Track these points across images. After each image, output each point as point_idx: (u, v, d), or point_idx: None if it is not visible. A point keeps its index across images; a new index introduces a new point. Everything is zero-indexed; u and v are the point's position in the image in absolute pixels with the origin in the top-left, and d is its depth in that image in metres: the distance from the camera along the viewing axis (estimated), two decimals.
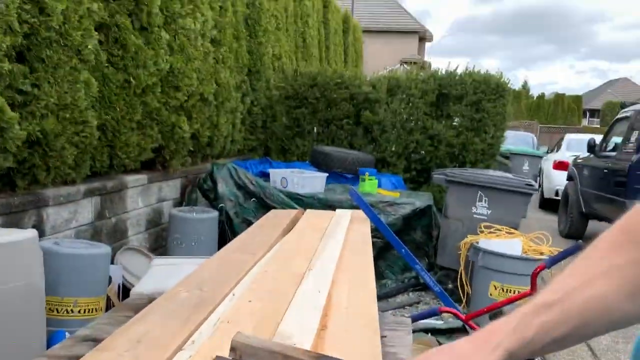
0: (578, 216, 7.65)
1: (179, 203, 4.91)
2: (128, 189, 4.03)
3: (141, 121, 3.96)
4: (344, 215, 2.65)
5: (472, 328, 2.51)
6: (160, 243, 4.56)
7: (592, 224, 7.63)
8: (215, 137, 5.33)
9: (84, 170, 3.44)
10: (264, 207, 4.54)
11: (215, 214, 4.48)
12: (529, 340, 0.60)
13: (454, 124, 6.65)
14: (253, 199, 4.72)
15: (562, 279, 0.63)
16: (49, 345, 2.47)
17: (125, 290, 3.34)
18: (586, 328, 0.61)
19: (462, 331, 2.55)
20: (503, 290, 3.60)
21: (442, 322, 2.95)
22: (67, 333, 2.54)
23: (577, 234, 7.47)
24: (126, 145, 3.83)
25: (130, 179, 4.06)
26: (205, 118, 4.96)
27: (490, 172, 5.26)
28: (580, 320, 0.60)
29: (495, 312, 2.48)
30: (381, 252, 4.45)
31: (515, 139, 12.26)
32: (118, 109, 3.69)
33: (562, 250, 2.52)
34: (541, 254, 3.90)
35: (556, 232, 7.83)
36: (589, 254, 0.65)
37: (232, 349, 0.94)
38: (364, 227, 2.45)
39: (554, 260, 2.44)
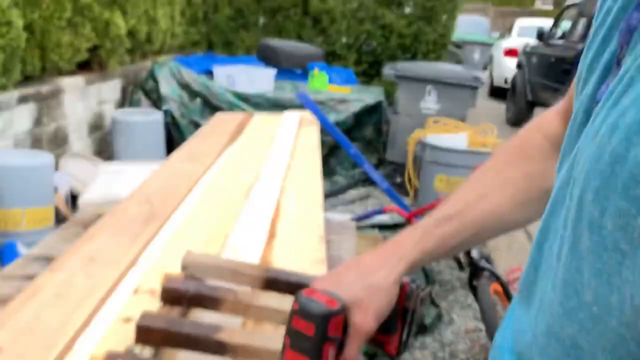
0: (525, 104, 7.86)
1: (120, 105, 4.74)
2: (65, 92, 3.84)
3: (72, 19, 3.69)
4: (292, 119, 2.65)
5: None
6: (105, 147, 4.46)
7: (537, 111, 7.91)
8: (154, 32, 5.05)
9: (14, 76, 3.24)
10: (210, 107, 4.45)
11: (159, 115, 4.36)
12: (430, 251, 0.66)
13: (406, 12, 6.52)
14: (198, 98, 4.60)
15: (462, 192, 0.70)
16: (2, 258, 2.47)
17: (73, 198, 3.31)
18: (480, 235, 0.70)
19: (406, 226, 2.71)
20: (448, 183, 3.78)
21: (389, 217, 3.12)
22: (19, 244, 2.54)
23: (523, 122, 7.75)
24: (58, 46, 3.59)
25: (67, 82, 3.86)
26: (142, 12, 4.66)
27: (439, 65, 5.29)
28: (476, 229, 0.68)
29: None
30: (332, 150, 4.51)
31: (468, 25, 12.13)
32: (44, 7, 3.41)
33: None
34: (485, 146, 4.07)
35: (504, 121, 8.08)
36: (488, 166, 0.72)
37: (183, 267, 0.98)
38: (313, 130, 2.47)
39: None
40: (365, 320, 0.58)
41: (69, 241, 1.44)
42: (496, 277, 2.36)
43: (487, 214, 0.67)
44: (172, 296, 0.88)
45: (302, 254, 1.27)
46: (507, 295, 2.37)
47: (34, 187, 2.76)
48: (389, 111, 4.99)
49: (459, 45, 9.42)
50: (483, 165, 0.73)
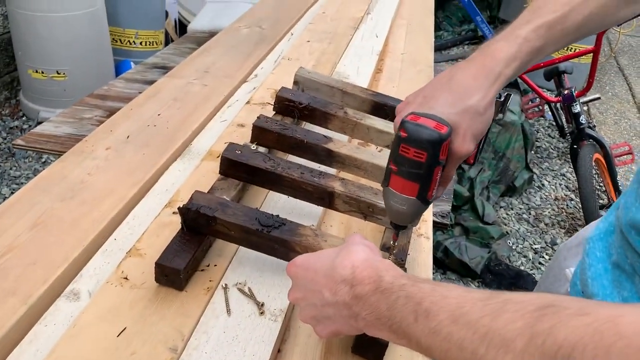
0: None
1: None
2: None
3: None
4: None
5: (525, 82, 2.52)
6: None
7: None
8: None
9: None
10: None
11: None
12: (526, 64, 0.60)
13: None
14: None
15: None
16: (117, 72, 2.66)
17: (182, 26, 3.40)
18: (578, 38, 0.63)
19: (513, 85, 2.57)
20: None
21: None
22: (132, 62, 2.69)
23: None
24: None
25: None
26: None
27: None
28: (576, 35, 0.61)
29: (550, 67, 2.45)
30: (440, 2, 4.22)
31: None
32: None
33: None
34: None
35: None
36: None
37: (295, 82, 1.01)
38: None
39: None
40: (464, 144, 0.56)
41: (183, 55, 1.51)
42: (601, 146, 2.24)
43: (591, 16, 0.60)
44: (284, 106, 0.92)
45: (407, 92, 1.26)
46: (610, 168, 2.26)
47: (147, 11, 2.85)
48: None
49: None
50: None
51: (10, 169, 2.25)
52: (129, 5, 2.79)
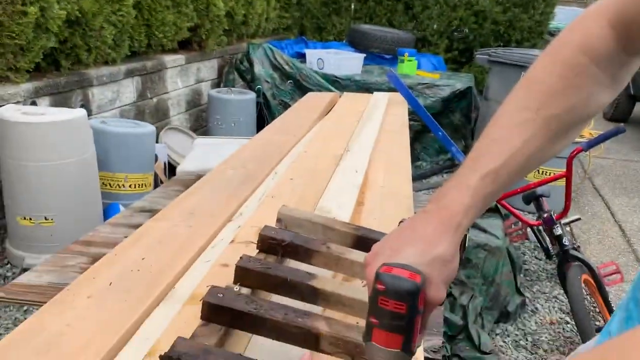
0: (626, 98, 7.35)
1: (216, 84, 4.94)
2: (167, 69, 4.06)
3: None
4: (381, 99, 2.65)
5: (505, 207, 2.59)
6: (201, 123, 4.68)
7: (639, 107, 7.36)
8: (250, 15, 5.21)
9: (123, 50, 3.47)
10: (301, 89, 4.53)
11: (252, 95, 4.52)
12: (480, 212, 0.64)
13: None
14: (290, 80, 4.70)
15: (505, 134, 0.65)
16: (105, 216, 2.69)
17: (171, 168, 3.52)
18: (525, 175, 0.68)
19: (494, 210, 2.64)
20: (539, 172, 3.62)
21: None
22: (120, 206, 2.74)
23: (622, 117, 7.25)
24: (162, 24, 3.81)
25: (169, 59, 4.08)
26: None
27: (536, 52, 5.04)
28: (519, 177, 0.66)
29: (527, 192, 2.53)
30: (417, 135, 4.46)
31: (566, 16, 11.46)
32: None
33: (601, 132, 2.49)
34: (581, 136, 3.86)
35: (601, 115, 7.60)
36: (532, 96, 0.66)
37: (278, 220, 1.03)
38: (402, 110, 2.46)
39: (591, 144, 2.42)
40: (438, 292, 0.57)
41: (170, 197, 1.54)
42: (589, 268, 2.24)
43: (530, 159, 0.64)
44: (268, 244, 0.93)
45: (389, 223, 1.28)
46: (600, 288, 2.25)
47: (137, 154, 2.96)
48: (479, 98, 4.84)
49: (554, 35, 8.93)
50: (525, 91, 0.67)
51: None
52: (120, 150, 2.90)
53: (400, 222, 0.72)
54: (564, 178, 2.49)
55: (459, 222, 0.60)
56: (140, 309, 0.87)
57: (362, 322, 0.79)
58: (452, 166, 4.50)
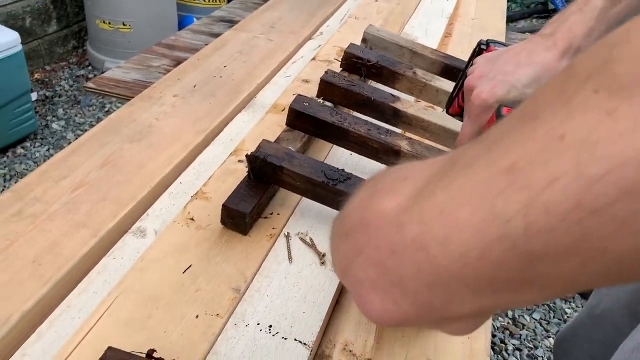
0: None
1: None
2: None
3: None
4: None
5: None
6: None
7: None
8: None
9: None
10: None
11: None
12: (602, 35, 0.56)
13: None
14: None
15: None
16: (179, 27, 2.68)
17: None
18: None
19: None
20: None
21: None
22: (194, 18, 2.71)
23: None
24: None
25: None
26: None
27: None
28: None
29: None
30: None
31: None
32: None
33: None
34: None
35: None
36: None
37: (364, 40, 0.99)
38: None
39: None
40: None
41: (249, 9, 1.50)
42: None
43: None
44: (352, 63, 0.90)
45: None
46: None
47: None
48: None
49: None
50: None
51: (75, 115, 2.33)
52: None
53: (480, 43, 0.67)
54: None
55: (579, 45, 0.55)
56: (225, 112, 0.90)
57: (442, 148, 0.78)
58: (543, 11, 4.13)
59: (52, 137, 2.18)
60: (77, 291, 0.57)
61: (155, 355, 0.44)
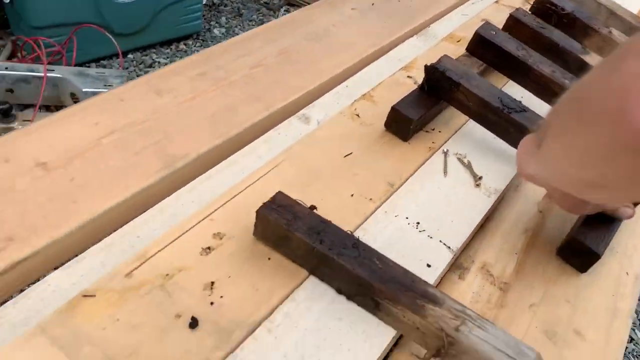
0: None
1: None
2: None
3: None
4: None
5: None
6: None
7: None
8: None
9: None
10: None
11: None
12: None
13: None
14: None
15: None
16: None
17: None
18: None
19: None
20: None
21: None
22: None
23: None
24: None
25: None
26: None
27: None
28: None
29: None
30: None
31: None
32: None
33: None
34: None
35: None
36: None
37: None
38: None
39: None
40: None
41: None
42: None
43: None
44: (544, 7, 0.85)
45: None
46: None
47: None
48: None
49: None
50: None
51: (236, 27, 2.45)
52: None
53: None
54: None
55: None
56: (398, 33, 0.90)
57: None
58: None
59: (212, 42, 2.32)
60: (243, 153, 0.62)
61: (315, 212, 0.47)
